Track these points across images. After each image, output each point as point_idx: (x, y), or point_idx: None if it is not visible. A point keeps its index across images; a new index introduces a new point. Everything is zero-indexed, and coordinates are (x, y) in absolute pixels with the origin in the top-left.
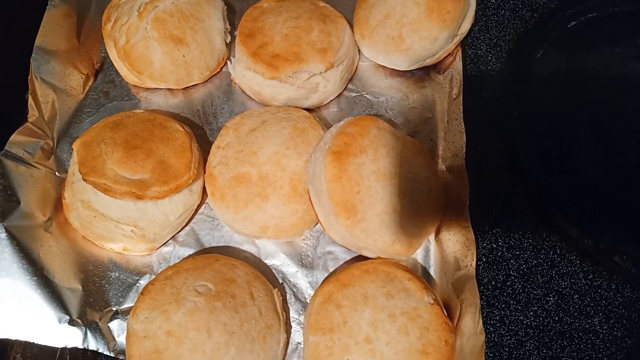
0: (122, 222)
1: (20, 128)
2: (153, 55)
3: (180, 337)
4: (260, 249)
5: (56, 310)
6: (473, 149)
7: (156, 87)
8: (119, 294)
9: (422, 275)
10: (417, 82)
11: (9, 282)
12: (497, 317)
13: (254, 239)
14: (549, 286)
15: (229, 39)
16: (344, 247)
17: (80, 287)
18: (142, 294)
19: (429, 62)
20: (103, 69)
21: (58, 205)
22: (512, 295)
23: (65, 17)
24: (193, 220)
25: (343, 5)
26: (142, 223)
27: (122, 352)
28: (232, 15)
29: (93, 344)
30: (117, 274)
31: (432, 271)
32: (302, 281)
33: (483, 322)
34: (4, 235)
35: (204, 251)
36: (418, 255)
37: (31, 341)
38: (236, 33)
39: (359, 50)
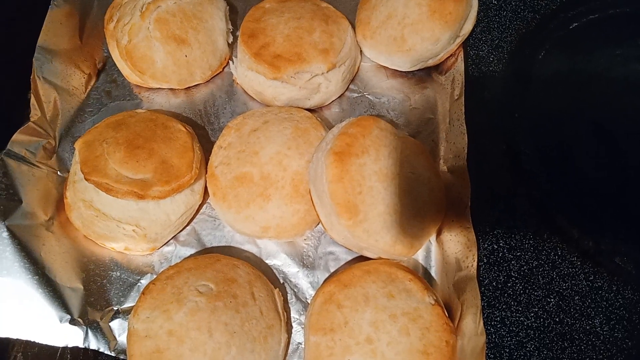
0: (123, 221)
1: (23, 127)
2: (155, 55)
3: (181, 337)
4: (262, 249)
5: (57, 309)
6: (474, 149)
7: (158, 87)
8: (120, 294)
9: (423, 275)
10: (418, 83)
11: (10, 281)
12: (498, 318)
13: (256, 239)
14: (549, 287)
15: (231, 39)
16: (345, 247)
17: (82, 287)
18: (143, 293)
19: (430, 63)
20: (105, 68)
21: (60, 204)
22: (513, 296)
23: (68, 16)
24: (194, 220)
25: (345, 6)
26: (144, 223)
27: (123, 351)
28: (234, 16)
29: (94, 344)
30: (118, 274)
31: (433, 272)
32: (303, 281)
33: (484, 323)
34: (5, 234)
35: (206, 251)
36: (419, 255)
37: (32, 340)
38: (238, 33)
39: (360, 51)
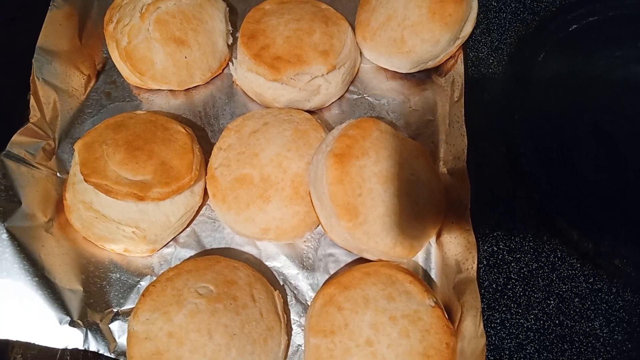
0: (123, 223)
1: (22, 129)
2: (155, 57)
3: (181, 339)
4: (261, 250)
5: (57, 311)
6: (474, 151)
7: (158, 88)
8: (120, 295)
9: (423, 278)
10: (418, 84)
11: (9, 282)
12: (498, 320)
13: (255, 240)
14: (549, 289)
15: (230, 41)
16: (345, 249)
17: (81, 288)
18: (143, 295)
19: (430, 64)
20: (105, 70)
21: (59, 206)
22: (513, 299)
23: (67, 17)
24: (194, 222)
25: (345, 8)
26: (144, 224)
27: (123, 353)
28: (234, 17)
29: (94, 345)
30: (118, 275)
31: (433, 274)
32: (303, 283)
33: (484, 325)
34: (5, 235)
35: (205, 253)
36: (419, 258)
37: (32, 342)
38: (238, 35)
39: (360, 52)
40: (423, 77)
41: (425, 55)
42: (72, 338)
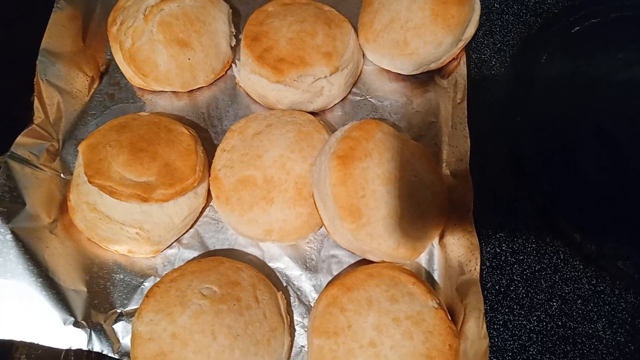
0: (127, 224)
1: (26, 130)
2: (158, 58)
3: (185, 340)
4: (265, 252)
5: (61, 311)
6: (477, 153)
7: (161, 89)
8: (124, 296)
9: (426, 279)
10: (421, 86)
11: (14, 283)
12: (501, 322)
13: (259, 242)
14: (552, 291)
15: (234, 43)
16: (348, 250)
17: (85, 289)
18: (147, 296)
19: (433, 66)
20: (108, 71)
21: (63, 207)
22: (516, 300)
23: (71, 19)
24: (198, 223)
25: (348, 9)
26: (147, 225)
27: (127, 354)
28: (237, 19)
29: (97, 346)
30: (121, 276)
31: (436, 275)
32: (306, 284)
33: (487, 327)
34: (9, 236)
35: (209, 254)
36: (422, 259)
37: (36, 342)
38: (241, 36)
39: (363, 54)
40: (426, 79)
41: (428, 57)
42: (76, 339)
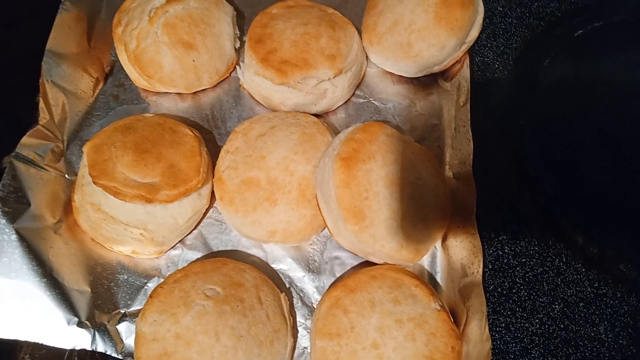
0: (131, 225)
1: (31, 130)
2: (163, 60)
3: (188, 340)
4: (268, 253)
5: (65, 312)
6: (480, 156)
7: (166, 91)
8: (128, 297)
9: (429, 281)
10: (424, 89)
11: (18, 283)
12: (503, 324)
13: (262, 243)
14: (554, 294)
15: (238, 45)
16: (351, 252)
17: (89, 289)
18: (151, 296)
19: (436, 69)
20: (113, 72)
21: (67, 207)
22: (518, 303)
23: (76, 20)
24: (201, 224)
25: (351, 12)
26: (151, 226)
27: (130, 354)
28: (242, 21)
29: (101, 346)
30: (125, 277)
31: (438, 277)
32: (309, 286)
33: (489, 329)
34: (14, 237)
35: (212, 255)
36: (425, 261)
37: (40, 342)
38: (245, 38)
39: (366, 56)
40: (429, 81)
41: (432, 59)
42: (79, 339)
